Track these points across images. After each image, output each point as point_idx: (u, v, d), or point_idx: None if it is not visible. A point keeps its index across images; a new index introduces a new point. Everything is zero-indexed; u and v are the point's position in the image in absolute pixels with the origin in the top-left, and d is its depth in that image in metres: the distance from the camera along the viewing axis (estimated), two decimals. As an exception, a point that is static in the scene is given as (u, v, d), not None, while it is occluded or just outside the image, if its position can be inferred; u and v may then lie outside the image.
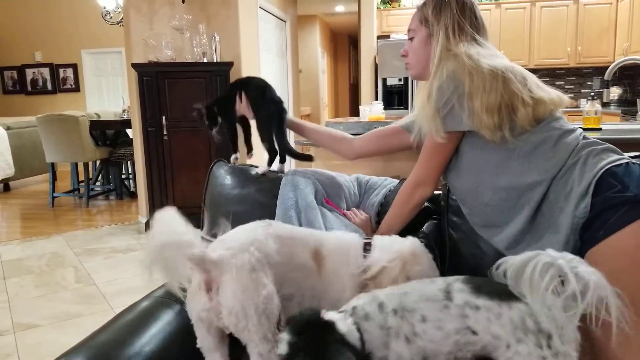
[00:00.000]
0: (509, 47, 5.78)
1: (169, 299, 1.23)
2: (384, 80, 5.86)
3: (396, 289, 0.93)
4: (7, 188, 6.33)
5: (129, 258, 3.55)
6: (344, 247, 1.14)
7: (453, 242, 1.42)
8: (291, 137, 3.77)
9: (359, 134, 1.51)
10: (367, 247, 1.13)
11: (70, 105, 7.90)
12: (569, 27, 5.82)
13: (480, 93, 1.11)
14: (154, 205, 4.05)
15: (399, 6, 6.36)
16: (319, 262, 1.10)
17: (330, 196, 1.45)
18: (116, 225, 4.44)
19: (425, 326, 0.84)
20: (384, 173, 1.72)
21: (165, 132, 3.93)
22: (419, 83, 1.39)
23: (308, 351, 0.80)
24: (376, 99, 5.91)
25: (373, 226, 1.45)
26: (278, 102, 1.48)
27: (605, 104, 5.58)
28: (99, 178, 5.87)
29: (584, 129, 1.88)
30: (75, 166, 5.49)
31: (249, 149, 1.63)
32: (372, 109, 3.47)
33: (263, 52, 4.87)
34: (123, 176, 5.76)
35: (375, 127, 1.52)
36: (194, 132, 3.95)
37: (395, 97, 5.88)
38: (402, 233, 1.35)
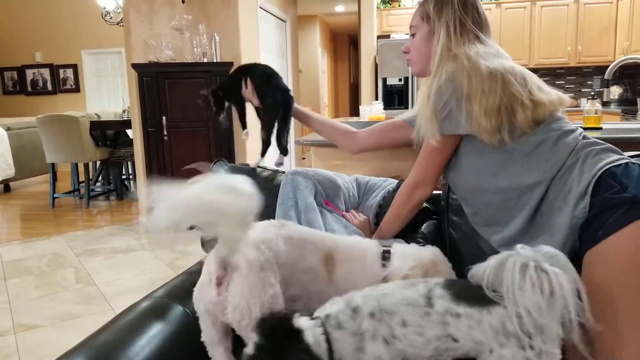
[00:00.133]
0: (509, 46, 5.78)
1: (169, 299, 1.23)
2: (384, 80, 5.86)
3: (374, 289, 0.91)
4: (7, 189, 6.34)
5: (130, 258, 3.55)
6: (361, 254, 1.11)
7: (453, 242, 1.42)
8: (291, 137, 3.77)
9: None
10: (385, 255, 1.11)
11: (71, 105, 7.91)
12: (569, 26, 5.81)
13: (478, 96, 1.11)
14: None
15: (399, 6, 6.36)
16: (331, 267, 1.09)
17: (329, 197, 1.45)
18: (116, 226, 4.44)
19: (406, 330, 0.83)
20: (383, 173, 1.72)
21: (165, 133, 3.94)
22: (420, 79, 1.38)
23: (271, 356, 0.80)
24: (376, 98, 5.91)
25: (372, 228, 1.45)
26: (285, 90, 1.44)
27: (605, 103, 5.58)
28: (99, 178, 5.87)
29: (584, 129, 1.88)
30: (75, 167, 5.48)
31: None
32: (372, 108, 3.47)
33: (263, 52, 4.87)
34: (123, 176, 5.76)
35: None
36: (194, 132, 3.96)
37: (395, 97, 5.88)
38: (401, 233, 1.35)
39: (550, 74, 6.06)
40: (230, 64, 3.88)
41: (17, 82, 8.28)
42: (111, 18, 6.03)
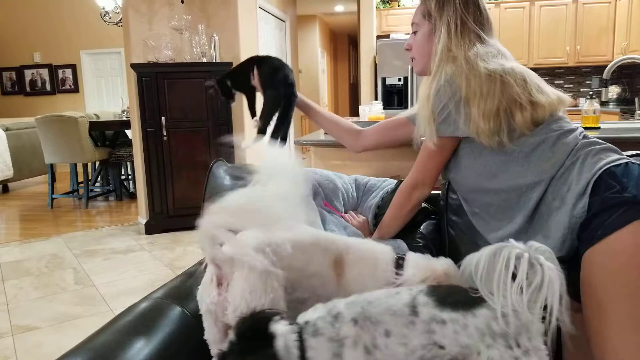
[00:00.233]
0: (508, 46, 5.68)
1: (168, 300, 1.23)
2: (384, 79, 5.86)
3: (359, 297, 0.89)
4: (5, 189, 6.33)
5: (129, 259, 3.55)
6: (372, 258, 1.10)
7: (452, 241, 1.42)
8: (291, 137, 3.77)
9: None
10: (399, 262, 1.10)
11: (70, 106, 7.90)
12: (567, 26, 5.82)
13: (477, 98, 1.10)
14: (154, 206, 4.05)
15: (399, 6, 6.36)
16: (340, 270, 1.08)
17: (327, 198, 1.45)
18: (116, 227, 4.43)
19: (388, 341, 0.82)
20: (384, 173, 1.72)
21: (164, 133, 3.93)
22: (420, 79, 1.38)
23: (239, 357, 0.80)
24: (376, 98, 5.91)
25: (370, 229, 1.45)
26: (289, 85, 1.44)
27: (604, 103, 5.59)
28: (98, 179, 5.86)
29: (583, 128, 1.88)
30: (74, 167, 5.48)
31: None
32: (371, 108, 3.47)
33: (263, 52, 4.87)
34: (122, 177, 5.76)
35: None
36: (193, 132, 3.96)
37: (395, 97, 5.88)
38: (400, 233, 1.35)
39: (549, 74, 6.06)
40: (230, 64, 3.88)
41: (15, 82, 8.27)
42: (110, 18, 6.02)
